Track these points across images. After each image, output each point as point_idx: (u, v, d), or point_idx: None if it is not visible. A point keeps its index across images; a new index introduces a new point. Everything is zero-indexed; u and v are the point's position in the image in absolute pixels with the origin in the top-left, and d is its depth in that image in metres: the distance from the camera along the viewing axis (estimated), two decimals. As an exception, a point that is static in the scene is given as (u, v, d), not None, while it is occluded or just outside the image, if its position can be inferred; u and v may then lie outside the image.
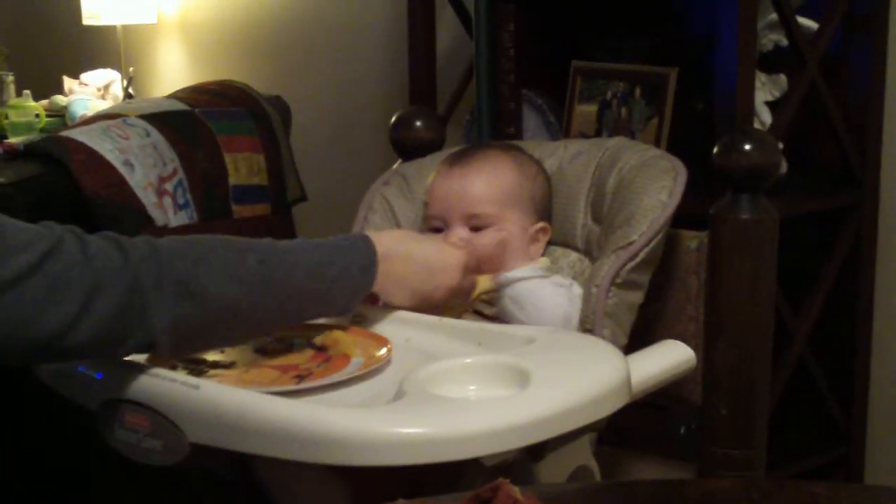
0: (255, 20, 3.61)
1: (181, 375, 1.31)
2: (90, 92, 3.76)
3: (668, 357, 1.49)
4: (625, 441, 1.72)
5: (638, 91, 2.38)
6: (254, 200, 2.58)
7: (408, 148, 1.94)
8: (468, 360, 1.32)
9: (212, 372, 1.38)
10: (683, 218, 1.63)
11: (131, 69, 3.83)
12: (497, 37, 2.49)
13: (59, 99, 3.77)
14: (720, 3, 2.23)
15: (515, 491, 0.90)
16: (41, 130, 3.58)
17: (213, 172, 2.49)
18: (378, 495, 1.02)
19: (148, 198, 2.30)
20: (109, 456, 1.30)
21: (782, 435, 2.03)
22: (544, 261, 1.70)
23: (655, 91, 2.35)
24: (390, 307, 1.53)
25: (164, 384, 1.25)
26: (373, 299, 1.52)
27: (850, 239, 2.38)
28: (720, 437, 1.66)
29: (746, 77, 2.09)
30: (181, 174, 2.40)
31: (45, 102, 3.77)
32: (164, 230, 2.29)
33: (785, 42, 2.26)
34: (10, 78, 3.89)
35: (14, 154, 2.33)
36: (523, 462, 1.29)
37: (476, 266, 1.59)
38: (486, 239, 1.65)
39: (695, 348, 1.53)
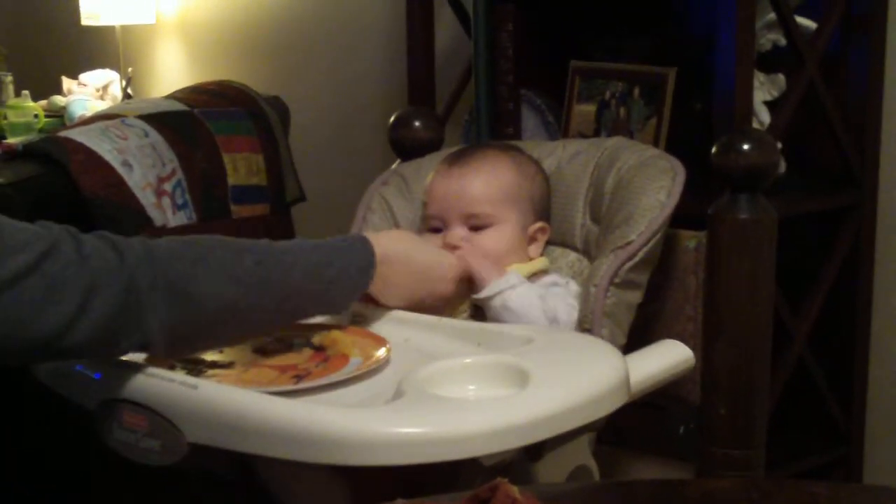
0: (254, 20, 3.61)
1: (179, 375, 1.31)
2: (89, 92, 3.76)
3: (667, 357, 1.49)
4: (624, 441, 1.72)
5: (636, 91, 2.38)
6: (253, 200, 2.58)
7: (406, 148, 1.94)
8: (467, 360, 1.32)
9: (210, 372, 1.38)
10: (682, 218, 1.63)
11: (130, 69, 3.83)
12: (496, 37, 2.49)
13: (58, 99, 3.78)
14: (718, 3, 2.23)
15: (514, 491, 0.90)
16: (40, 131, 3.58)
17: (211, 172, 2.48)
18: (377, 495, 1.02)
19: (147, 198, 2.30)
20: (109, 456, 1.30)
21: (782, 435, 2.03)
22: (543, 261, 1.70)
23: (654, 91, 2.35)
24: (389, 307, 1.54)
25: (163, 384, 1.25)
26: (367, 298, 1.53)
27: (849, 239, 2.38)
28: (719, 436, 1.66)
29: (745, 77, 2.09)
30: (180, 174, 2.40)
31: (43, 103, 3.77)
32: (163, 230, 2.29)
33: (783, 42, 2.26)
34: (9, 78, 3.89)
35: (13, 154, 2.33)
36: (522, 462, 1.29)
37: (469, 277, 1.60)
38: (485, 239, 1.66)
39: (693, 348, 1.54)
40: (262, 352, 1.45)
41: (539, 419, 1.20)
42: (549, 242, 1.74)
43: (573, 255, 1.74)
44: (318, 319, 1.52)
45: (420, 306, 1.55)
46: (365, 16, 3.28)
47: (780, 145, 2.01)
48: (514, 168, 1.71)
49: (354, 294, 1.46)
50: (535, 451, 1.30)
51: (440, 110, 2.65)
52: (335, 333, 1.48)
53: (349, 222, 1.82)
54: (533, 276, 1.65)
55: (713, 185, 1.72)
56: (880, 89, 2.36)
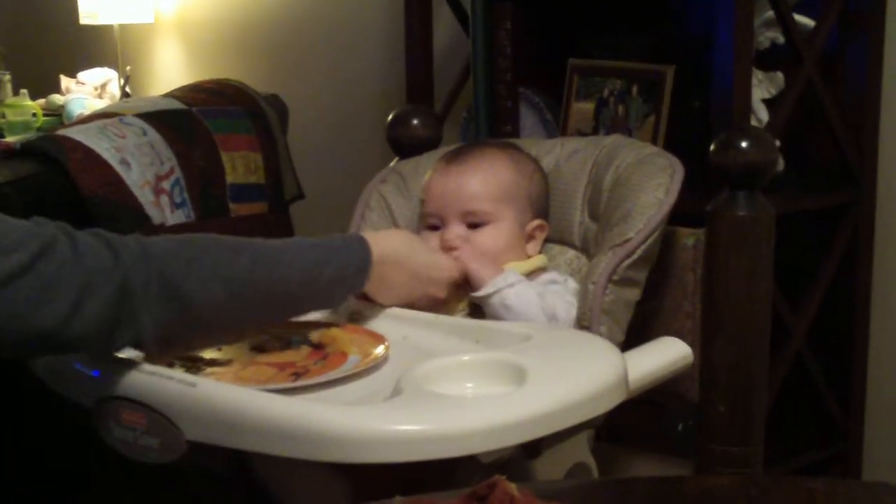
0: (253, 19, 3.60)
1: (178, 373, 1.31)
2: (87, 91, 3.76)
3: (666, 354, 1.50)
4: (622, 438, 1.72)
5: (635, 89, 2.38)
6: (251, 199, 2.58)
7: (405, 146, 1.94)
8: (465, 358, 1.32)
9: (209, 369, 1.38)
10: (680, 215, 1.63)
11: (128, 68, 3.83)
12: (494, 35, 2.49)
13: (57, 98, 3.77)
14: (717, 1, 2.23)
15: (512, 488, 0.90)
16: (38, 129, 3.57)
17: (210, 171, 2.48)
18: (375, 493, 1.02)
19: (145, 196, 2.30)
20: (109, 456, 1.30)
21: (780, 431, 2.03)
22: (541, 258, 1.70)
23: (652, 89, 2.35)
24: (387, 305, 1.54)
25: (161, 382, 1.26)
26: (363, 296, 1.53)
27: (848, 236, 2.38)
28: (718, 433, 1.66)
29: (743, 75, 2.09)
30: (178, 173, 2.40)
31: (42, 101, 3.77)
32: (162, 229, 2.29)
33: (781, 39, 2.26)
34: (7, 77, 3.89)
35: (11, 153, 2.32)
36: (520, 459, 1.30)
37: (467, 278, 1.60)
38: (483, 237, 1.66)
39: (692, 345, 1.54)
40: (261, 349, 1.45)
41: (537, 416, 1.20)
42: (547, 240, 1.74)
43: (571, 253, 1.74)
44: (315, 316, 1.52)
45: (415, 307, 1.55)
46: (363, 14, 3.28)
47: (778, 143, 2.02)
48: (512, 166, 1.71)
49: (350, 293, 1.47)
50: (533, 449, 1.30)
51: (438, 108, 2.65)
52: (334, 331, 1.48)
53: (348, 220, 1.82)
54: (531, 274, 1.65)
55: (711, 183, 1.72)
56: (878, 87, 2.36)
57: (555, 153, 1.79)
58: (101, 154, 2.27)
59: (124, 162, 2.29)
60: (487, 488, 0.90)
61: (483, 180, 1.68)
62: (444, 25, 2.81)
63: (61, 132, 2.35)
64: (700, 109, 2.39)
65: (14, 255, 1.19)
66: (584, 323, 1.54)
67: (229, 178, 2.53)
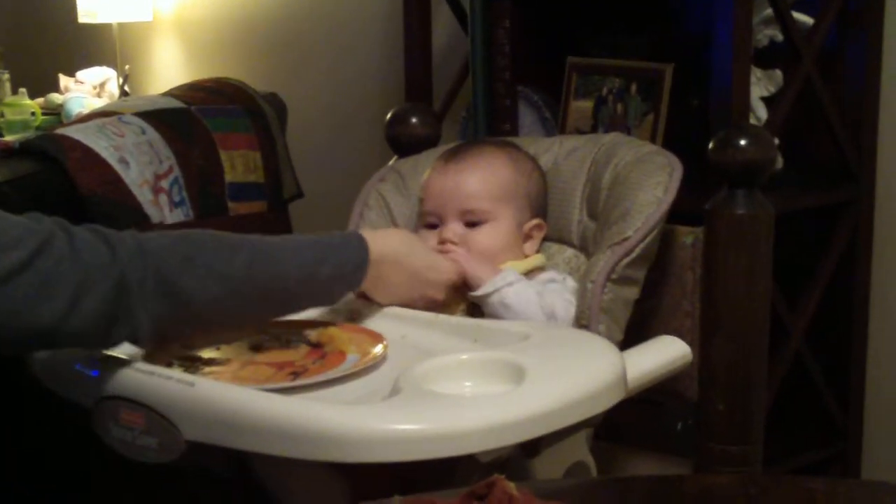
0: (251, 18, 3.60)
1: (176, 373, 1.31)
2: (86, 90, 3.76)
3: (664, 353, 1.50)
4: (621, 437, 1.72)
5: (633, 87, 2.38)
6: (250, 198, 2.58)
7: (403, 144, 1.94)
8: (464, 357, 1.32)
9: (207, 369, 1.38)
10: (679, 214, 1.63)
11: (127, 67, 3.83)
12: (493, 34, 2.49)
13: (55, 97, 3.77)
14: (715, 0, 2.23)
15: (511, 487, 0.90)
16: (37, 128, 3.57)
17: (208, 170, 2.48)
18: (374, 492, 1.02)
19: (144, 195, 2.30)
20: (109, 456, 1.30)
21: (779, 431, 2.03)
22: (539, 257, 1.70)
23: (651, 87, 2.35)
24: (385, 305, 1.54)
25: (160, 382, 1.25)
26: (360, 295, 1.54)
27: (847, 234, 2.38)
28: (717, 432, 1.66)
29: (742, 73, 2.09)
30: (177, 172, 2.40)
31: (41, 100, 3.77)
32: (160, 227, 2.28)
33: (780, 37, 2.26)
34: (6, 76, 3.89)
35: (9, 152, 2.32)
36: (519, 458, 1.30)
37: (463, 283, 1.60)
38: (481, 235, 1.66)
39: (690, 344, 1.54)
40: (259, 349, 1.45)
41: (536, 415, 1.20)
42: (545, 239, 1.74)
43: (570, 252, 1.74)
44: (313, 314, 1.52)
45: (412, 308, 1.55)
46: (362, 13, 3.28)
47: (777, 141, 2.02)
48: (510, 164, 1.71)
49: (346, 291, 1.48)
50: (531, 448, 1.30)
51: (437, 107, 2.65)
52: (332, 330, 1.48)
53: (346, 219, 1.82)
54: (529, 273, 1.65)
55: (710, 181, 1.72)
56: (877, 85, 2.36)
57: (553, 151, 1.79)
58: (99, 153, 2.27)
59: (123, 161, 2.29)
60: (486, 487, 0.90)
61: (481, 179, 1.68)
62: (442, 24, 2.81)
63: (60, 131, 2.35)
64: (699, 107, 2.39)
65: (13, 252, 1.19)
66: (582, 322, 1.54)
67: (228, 177, 2.53)
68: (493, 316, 1.58)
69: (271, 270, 1.37)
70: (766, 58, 2.28)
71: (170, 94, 2.65)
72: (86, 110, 3.28)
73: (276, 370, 1.38)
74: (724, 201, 1.65)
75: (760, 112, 2.25)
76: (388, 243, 1.52)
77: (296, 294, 1.42)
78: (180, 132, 2.46)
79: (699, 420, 1.67)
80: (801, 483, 1.13)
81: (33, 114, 3.66)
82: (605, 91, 2.43)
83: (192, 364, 1.39)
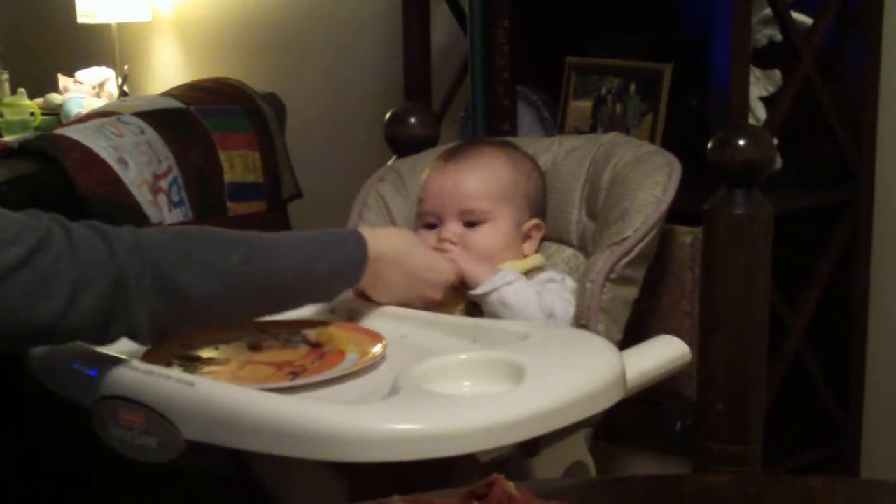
0: (250, 18, 3.60)
1: (176, 372, 1.31)
2: (85, 90, 3.76)
3: (663, 352, 1.50)
4: (620, 437, 1.72)
5: (632, 87, 2.38)
6: (249, 198, 2.58)
7: (402, 144, 1.94)
8: (463, 357, 1.32)
9: (206, 369, 1.38)
10: (678, 213, 1.63)
11: (126, 67, 3.83)
12: (492, 33, 2.49)
13: (54, 97, 3.77)
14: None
15: (510, 487, 0.90)
16: (36, 129, 3.57)
17: (207, 170, 2.48)
18: (373, 491, 1.02)
19: (143, 195, 2.30)
20: (109, 456, 1.30)
21: (778, 430, 2.04)
22: (538, 258, 1.70)
23: (650, 87, 2.35)
24: (380, 304, 1.55)
25: (159, 381, 1.25)
26: (358, 293, 1.54)
27: (846, 234, 2.38)
28: (716, 432, 1.66)
29: (741, 72, 2.09)
30: (176, 172, 2.40)
31: (40, 101, 3.77)
32: (159, 228, 2.29)
33: (779, 37, 2.26)
34: (5, 76, 3.89)
35: (8, 152, 2.32)
36: (518, 458, 1.30)
37: (461, 283, 1.60)
38: (480, 235, 1.66)
39: (690, 343, 1.54)
40: (258, 348, 1.45)
41: (535, 415, 1.20)
42: (544, 238, 1.74)
43: (569, 252, 1.74)
44: (310, 311, 1.53)
45: (410, 307, 1.55)
46: (361, 13, 3.28)
47: (776, 141, 2.02)
48: (509, 164, 1.71)
49: (344, 288, 1.48)
50: (531, 447, 1.30)
51: (436, 107, 2.65)
52: (331, 329, 1.48)
53: (345, 219, 1.82)
54: (528, 273, 1.65)
55: (709, 181, 1.72)
56: (876, 84, 2.36)
57: (552, 151, 1.79)
58: (98, 153, 2.27)
59: (122, 161, 2.29)
60: (486, 487, 0.90)
61: (481, 179, 1.68)
62: (441, 24, 2.82)
63: (59, 131, 2.35)
64: (698, 107, 2.39)
65: (11, 249, 1.19)
66: (581, 321, 1.54)
67: (227, 177, 2.53)
68: (493, 315, 1.58)
69: (269, 267, 1.37)
70: (765, 58, 2.28)
71: (169, 94, 2.65)
72: (85, 110, 3.28)
73: (275, 370, 1.38)
74: (723, 201, 1.65)
75: (759, 112, 2.26)
76: (388, 242, 1.52)
77: (293, 291, 1.42)
78: (179, 132, 2.46)
79: (698, 420, 1.67)
80: (800, 482, 1.13)
81: (32, 114, 3.66)
82: (604, 91, 2.43)
83: (192, 364, 1.39)
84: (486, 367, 1.29)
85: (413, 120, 1.96)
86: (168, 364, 1.37)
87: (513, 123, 2.54)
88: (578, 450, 1.43)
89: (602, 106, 2.43)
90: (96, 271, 1.23)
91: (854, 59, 2.34)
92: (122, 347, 1.33)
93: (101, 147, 2.28)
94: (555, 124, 2.54)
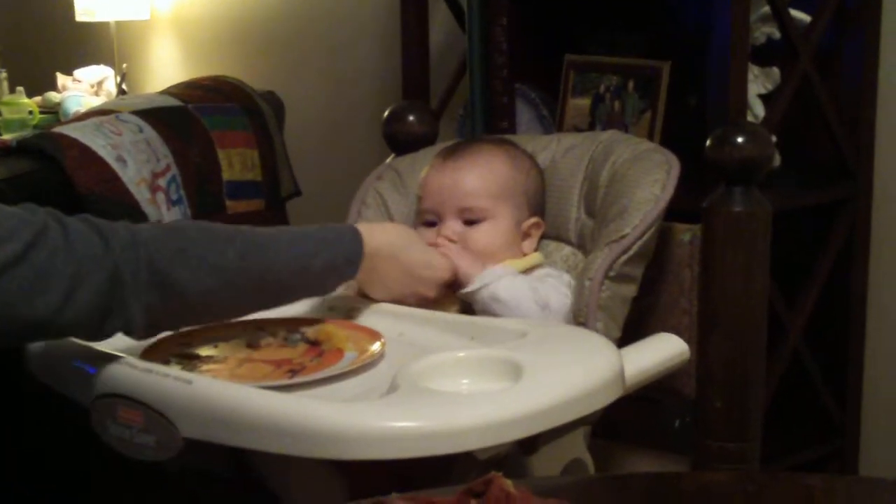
0: (249, 16, 3.60)
1: (174, 370, 1.31)
2: (83, 88, 3.76)
3: (662, 350, 1.50)
4: (618, 434, 1.72)
5: (631, 85, 2.38)
6: (247, 196, 2.58)
7: (401, 142, 1.94)
8: (461, 354, 1.32)
9: (205, 367, 1.38)
10: (677, 211, 1.63)
11: (125, 65, 3.83)
12: (490, 31, 2.49)
13: (53, 95, 3.77)
14: (713, -3, 2.24)
15: (508, 484, 0.90)
16: (34, 127, 3.57)
17: (206, 168, 2.48)
18: (372, 489, 1.02)
19: (141, 193, 2.30)
20: (109, 455, 1.30)
21: (777, 428, 2.04)
22: (537, 256, 1.70)
23: (648, 85, 2.35)
24: (375, 300, 1.55)
25: (158, 379, 1.25)
26: (358, 293, 1.54)
27: (844, 232, 2.38)
28: (715, 429, 1.66)
29: (739, 70, 2.09)
30: (174, 170, 2.40)
31: (38, 99, 3.76)
32: (158, 226, 2.28)
33: (778, 35, 2.26)
34: (4, 74, 3.89)
35: (7, 150, 2.32)
36: (516, 455, 1.30)
37: (455, 281, 1.60)
38: (479, 233, 1.66)
39: (688, 341, 1.54)
40: (257, 346, 1.45)
41: (533, 413, 1.20)
42: (543, 237, 1.74)
43: (568, 250, 1.74)
44: (310, 309, 1.53)
45: (404, 303, 1.55)
46: (360, 11, 3.28)
47: (774, 138, 2.01)
48: (508, 162, 1.71)
49: (339, 283, 1.49)
50: (529, 445, 1.30)
51: (435, 105, 2.65)
52: (330, 328, 1.48)
53: (344, 217, 1.82)
54: (527, 272, 1.65)
55: (708, 179, 1.72)
56: (874, 82, 2.36)
57: (551, 149, 1.79)
58: (97, 151, 2.27)
59: (120, 159, 2.29)
60: (483, 485, 0.90)
61: (480, 177, 1.68)
62: (440, 22, 2.81)
63: (57, 129, 2.35)
64: (696, 105, 2.39)
65: (8, 244, 1.19)
66: (580, 319, 1.54)
67: (226, 175, 2.53)
68: (484, 314, 1.58)
69: (265, 262, 1.37)
70: (764, 55, 2.28)
71: (167, 92, 2.65)
72: (83, 109, 3.28)
73: (273, 368, 1.38)
74: (722, 199, 1.65)
75: (758, 109, 2.25)
76: (385, 237, 1.52)
77: (289, 286, 1.42)
78: (178, 130, 2.46)
79: (697, 417, 1.67)
80: (798, 480, 1.13)
81: (31, 112, 3.66)
82: (602, 88, 2.43)
83: (190, 362, 1.39)
84: (484, 365, 1.29)
85: (411, 118, 1.96)
86: (166, 362, 1.37)
87: (511, 121, 2.54)
88: (577, 447, 1.43)
89: (600, 104, 2.43)
90: (92, 266, 1.23)
91: (852, 57, 2.34)
92: (120, 345, 1.33)
93: (100, 145, 2.28)
94: (553, 122, 2.54)
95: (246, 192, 2.57)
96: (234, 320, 1.47)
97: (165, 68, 3.88)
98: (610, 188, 1.65)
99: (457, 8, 2.70)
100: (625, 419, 1.55)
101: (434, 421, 1.16)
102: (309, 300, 1.57)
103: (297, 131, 3.03)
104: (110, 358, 1.30)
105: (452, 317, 1.54)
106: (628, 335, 1.56)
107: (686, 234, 1.68)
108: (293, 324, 1.49)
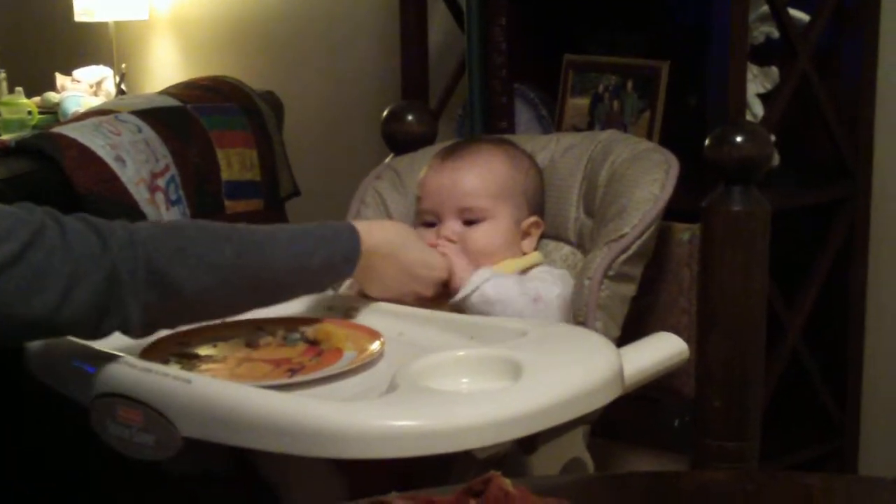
0: (247, 16, 3.60)
1: (173, 370, 1.31)
2: (82, 88, 3.76)
3: (661, 349, 1.50)
4: (618, 434, 1.72)
5: (630, 84, 2.38)
6: (246, 196, 2.58)
7: (400, 142, 1.94)
8: (460, 353, 1.32)
9: (204, 366, 1.38)
10: (676, 210, 1.63)
11: (123, 65, 3.83)
12: (489, 31, 2.49)
13: (52, 96, 3.77)
14: (712, -4, 2.24)
15: (507, 483, 0.90)
16: (33, 127, 3.57)
17: (205, 168, 2.48)
18: (372, 488, 1.02)
19: (140, 193, 2.30)
20: (109, 455, 1.30)
21: (776, 427, 2.04)
22: (536, 255, 1.70)
23: (647, 84, 2.35)
24: (373, 298, 1.55)
25: (157, 379, 1.25)
26: (358, 292, 1.54)
27: (843, 231, 2.38)
28: (714, 429, 1.66)
29: (738, 70, 2.09)
30: (173, 170, 2.40)
31: (37, 99, 3.76)
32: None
33: (776, 34, 2.26)
34: (3, 75, 3.89)
35: (6, 150, 2.32)
36: (516, 454, 1.30)
37: (452, 281, 1.60)
38: (479, 233, 1.66)
39: (687, 340, 1.54)
40: (256, 346, 1.45)
41: (532, 412, 1.20)
42: (542, 236, 1.74)
43: (567, 249, 1.74)
44: (309, 308, 1.53)
45: (398, 301, 1.56)
46: (359, 11, 3.28)
47: (773, 138, 2.02)
48: (507, 162, 1.71)
49: (337, 280, 1.50)
50: (528, 444, 1.30)
51: (434, 104, 2.65)
52: (329, 327, 1.48)
53: (343, 216, 1.82)
54: (527, 271, 1.65)
55: (707, 178, 1.72)
56: (873, 81, 2.36)
57: (550, 149, 1.79)
58: (96, 151, 2.27)
59: (119, 159, 2.29)
60: (483, 484, 0.90)
61: (479, 176, 1.68)
62: (439, 21, 2.81)
63: (56, 130, 2.35)
64: (695, 105, 2.39)
65: (5, 244, 1.19)
66: (579, 318, 1.54)
67: (224, 175, 2.53)
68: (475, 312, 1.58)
69: (262, 260, 1.37)
70: (763, 55, 2.28)
71: (166, 92, 2.65)
72: (82, 109, 3.28)
73: (273, 367, 1.38)
74: (721, 198, 1.65)
75: (757, 109, 2.26)
76: (383, 235, 1.52)
77: (287, 284, 1.42)
78: (177, 130, 2.46)
79: (696, 416, 1.67)
80: (797, 479, 1.13)
81: (30, 112, 3.66)
82: (601, 88, 2.43)
83: (189, 361, 1.39)
84: (483, 364, 1.29)
85: (410, 118, 1.96)
86: (166, 361, 1.37)
87: (510, 121, 2.54)
88: (576, 447, 1.43)
89: (599, 103, 2.43)
90: (90, 265, 1.23)
91: (851, 56, 2.34)
92: (120, 344, 1.33)
93: (99, 145, 2.28)
94: (552, 122, 2.54)
95: (245, 192, 2.57)
96: (233, 319, 1.47)
97: (164, 68, 3.88)
98: (609, 188, 1.65)
99: (456, 8, 2.70)
100: (624, 418, 1.55)
101: (433, 420, 1.16)
102: (308, 299, 1.57)
103: (296, 131, 3.03)
104: (110, 357, 1.30)
105: (452, 316, 1.54)
106: (627, 334, 1.56)
107: (685, 233, 1.68)
108: (292, 323, 1.50)
